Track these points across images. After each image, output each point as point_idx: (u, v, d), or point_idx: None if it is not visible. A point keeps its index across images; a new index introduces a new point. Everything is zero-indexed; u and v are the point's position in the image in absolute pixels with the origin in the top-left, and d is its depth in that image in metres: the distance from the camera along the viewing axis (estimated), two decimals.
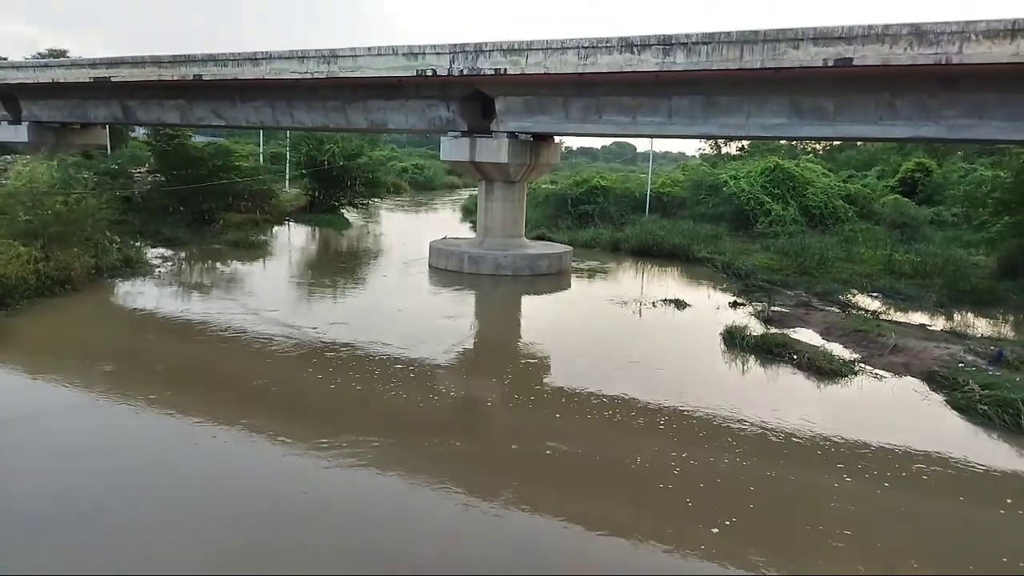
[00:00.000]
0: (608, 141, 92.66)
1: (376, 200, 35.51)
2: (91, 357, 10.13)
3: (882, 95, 13.66)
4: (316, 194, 32.31)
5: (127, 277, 15.55)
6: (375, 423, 8.02)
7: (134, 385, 8.86)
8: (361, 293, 16.24)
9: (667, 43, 14.26)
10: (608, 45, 14.91)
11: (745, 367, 11.09)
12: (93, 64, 22.78)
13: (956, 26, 11.78)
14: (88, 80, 22.53)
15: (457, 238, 22.02)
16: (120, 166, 25.07)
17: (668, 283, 18.79)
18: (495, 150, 18.09)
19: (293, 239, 25.64)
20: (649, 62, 14.47)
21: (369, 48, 17.76)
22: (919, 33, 12.01)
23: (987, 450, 8.09)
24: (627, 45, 14.64)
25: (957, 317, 15.15)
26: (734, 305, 15.62)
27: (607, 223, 27.36)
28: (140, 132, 42.22)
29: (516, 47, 16.07)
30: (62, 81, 23.43)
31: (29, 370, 9.47)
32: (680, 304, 15.50)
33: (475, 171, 19.37)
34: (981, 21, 11.64)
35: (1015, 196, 18.72)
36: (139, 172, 27.59)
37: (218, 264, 18.79)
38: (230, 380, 9.55)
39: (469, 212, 32.69)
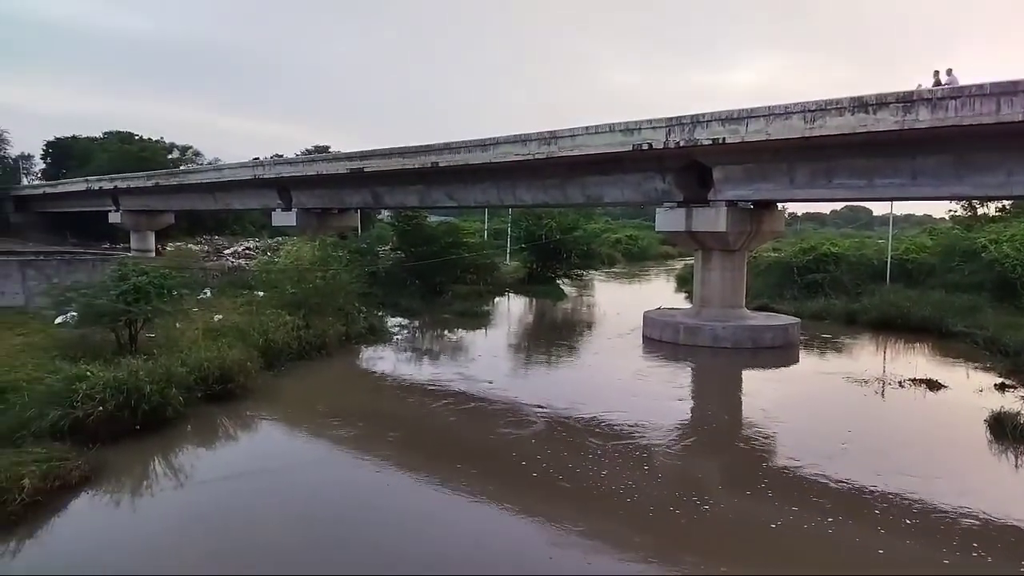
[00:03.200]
0: (839, 205, 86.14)
1: (591, 271, 36.28)
2: (339, 415, 11.31)
3: None
4: (534, 266, 33.86)
5: (370, 343, 17.30)
6: (595, 495, 7.97)
7: (367, 443, 9.75)
8: (574, 363, 16.47)
9: (908, 100, 13.13)
10: (839, 107, 14.08)
11: (1019, 461, 9.38)
12: (349, 157, 26.38)
13: None
14: (345, 171, 26.06)
15: (672, 308, 21.60)
16: (368, 245, 28.42)
17: (917, 360, 16.66)
18: (713, 219, 17.68)
19: (512, 309, 26.92)
20: (887, 120, 13.39)
21: (587, 127, 18.54)
22: None
23: None
24: (860, 105, 13.71)
25: None
26: (1002, 388, 13.39)
27: (839, 293, 25.17)
28: (385, 215, 47.67)
29: (735, 116, 15.78)
30: (324, 173, 27.37)
31: (288, 424, 10.86)
32: (933, 385, 13.63)
33: (691, 241, 19.04)
34: None
35: None
36: (384, 250, 30.98)
37: (446, 332, 20.26)
38: (461, 448, 10.10)
39: (684, 282, 32.00)
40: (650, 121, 17.27)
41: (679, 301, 26.57)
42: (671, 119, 16.82)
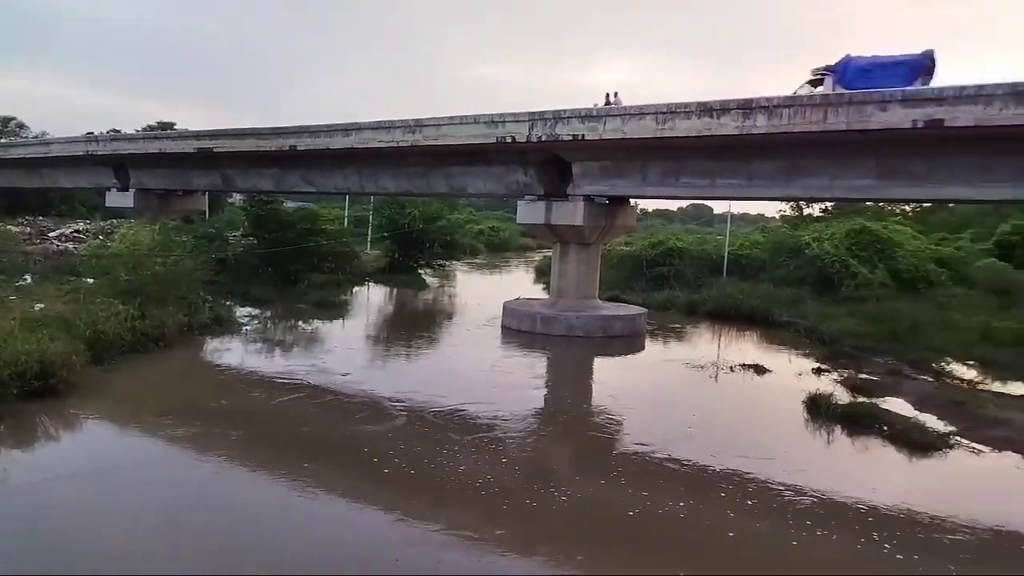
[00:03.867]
0: (685, 203, 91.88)
1: (453, 262, 36.35)
2: (174, 412, 10.53)
3: (976, 156, 13.10)
4: (396, 255, 33.38)
5: (216, 334, 16.28)
6: (450, 489, 7.99)
7: (208, 441, 9.18)
8: (433, 354, 16.45)
9: (747, 107, 14.22)
10: (687, 110, 14.99)
11: (831, 438, 10.50)
12: (197, 136, 24.64)
13: None
14: (192, 151, 24.31)
15: (531, 299, 22.13)
16: (217, 230, 26.71)
17: (747, 347, 18.20)
18: (571, 213, 18.28)
19: (372, 299, 26.41)
20: (729, 126, 14.43)
21: (452, 118, 18.48)
22: (1016, 93, 11.54)
23: None
24: (706, 110, 14.68)
25: None
26: (818, 372, 14.93)
27: (683, 285, 26.94)
28: (237, 198, 45.01)
29: (595, 114, 16.39)
30: (169, 152, 25.37)
31: (116, 423, 9.98)
32: (760, 369, 14.95)
33: (550, 233, 19.58)
34: None
35: None
36: (234, 236, 29.25)
37: (300, 323, 19.49)
38: (314, 443, 9.75)
39: (543, 273, 32.89)
40: (514, 115, 17.51)
41: (538, 292, 27.25)
42: (534, 114, 17.15)
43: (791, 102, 13.77)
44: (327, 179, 23.74)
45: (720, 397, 13.46)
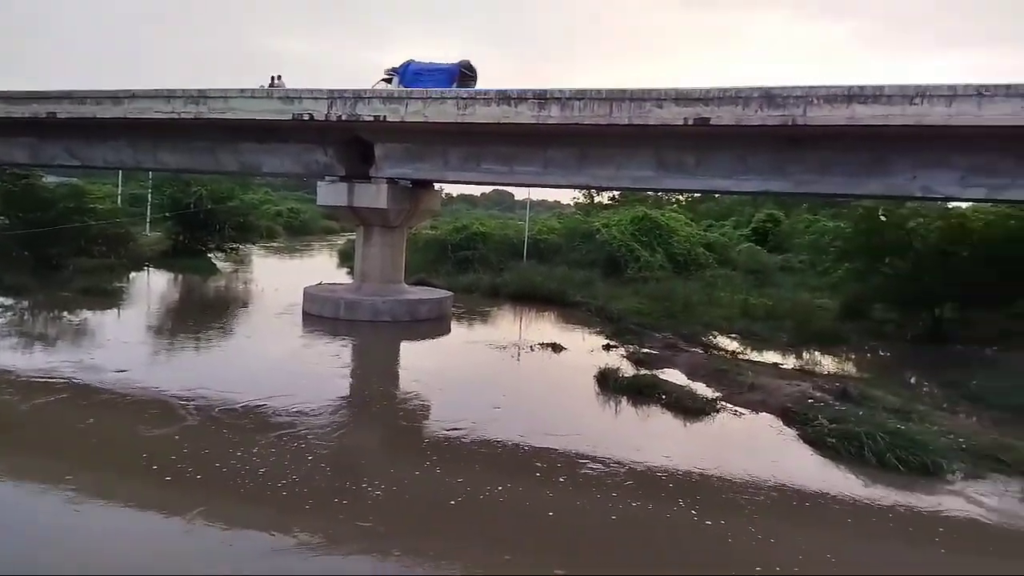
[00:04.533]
0: (488, 189, 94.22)
1: (248, 245, 34.13)
2: None
3: (736, 152, 14.85)
4: (181, 238, 30.62)
5: None
6: (246, 493, 7.51)
7: None
8: (226, 345, 15.37)
9: (542, 97, 14.83)
10: (486, 97, 15.30)
11: (619, 409, 11.43)
12: None
13: (800, 91, 13.01)
14: None
15: (334, 284, 21.46)
16: None
17: (545, 327, 19.20)
18: (374, 196, 17.93)
19: (153, 286, 24.02)
20: (525, 114, 14.97)
21: (242, 90, 17.23)
22: (768, 96, 13.20)
23: (837, 478, 8.73)
24: (504, 98, 15.09)
25: (806, 356, 16.46)
26: (607, 348, 16.16)
27: (486, 269, 27.68)
28: None
29: (396, 96, 16.17)
30: None
31: None
32: (557, 348, 15.85)
33: (353, 216, 19.08)
34: (822, 87, 12.88)
35: (854, 245, 20.78)
36: None
37: (65, 313, 17.20)
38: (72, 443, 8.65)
39: (347, 257, 32.04)
40: (312, 91, 16.73)
41: (341, 276, 26.50)
42: (333, 91, 16.51)
43: (581, 95, 14.58)
44: (95, 151, 21.05)
45: (522, 377, 14.04)
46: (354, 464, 8.70)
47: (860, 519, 7.56)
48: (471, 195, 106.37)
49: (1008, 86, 11.74)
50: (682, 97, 13.83)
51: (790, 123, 13.18)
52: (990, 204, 17.82)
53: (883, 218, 19.20)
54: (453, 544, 6.56)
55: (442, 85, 16.72)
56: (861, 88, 12.57)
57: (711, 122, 13.60)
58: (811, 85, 13.02)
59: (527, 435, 9.66)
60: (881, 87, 12.47)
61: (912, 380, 15.26)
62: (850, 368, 15.85)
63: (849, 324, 19.30)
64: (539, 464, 8.68)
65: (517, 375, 14.09)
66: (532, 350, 15.68)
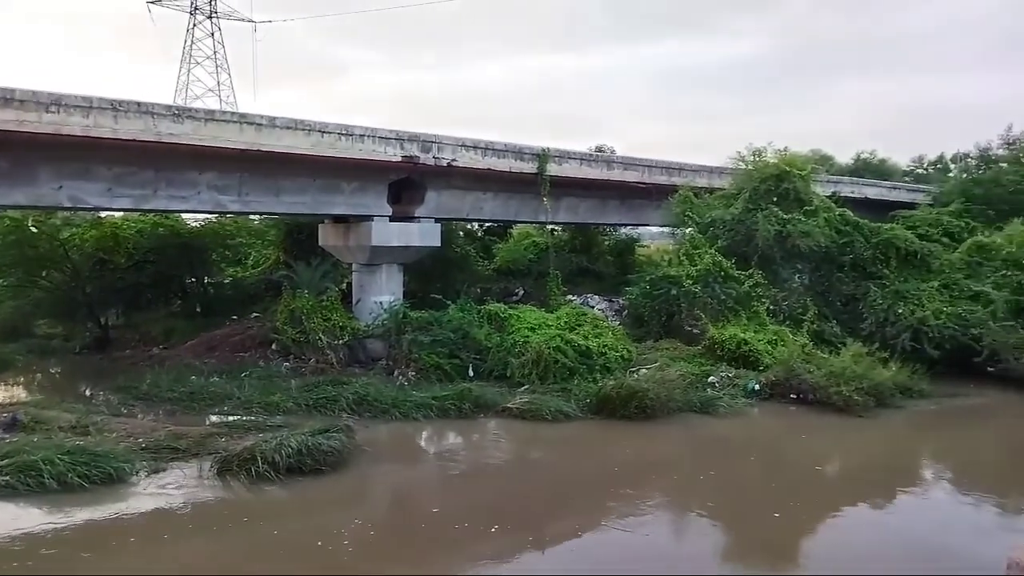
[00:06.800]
0: None
1: None
2: None
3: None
4: None
5: None
6: None
7: None
8: None
9: None
10: None
11: None
12: None
13: None
14: None
15: None
16: None
17: None
18: None
19: None
20: None
21: None
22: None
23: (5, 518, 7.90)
24: None
25: None
26: None
27: None
28: None
29: None
30: None
31: None
32: None
33: None
34: None
35: (5, 259, 18.31)
36: None
37: None
38: None
39: None
40: None
41: None
42: None
43: None
44: None
45: None
46: None
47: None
48: None
49: (139, 103, 12.79)
50: None
51: None
52: (139, 213, 18.88)
53: (34, 229, 17.92)
54: None
55: None
56: None
57: None
58: None
59: None
60: (13, 90, 11.66)
61: (87, 392, 14.84)
62: (21, 393, 14.44)
63: (13, 344, 17.53)
64: None
65: None
66: None
